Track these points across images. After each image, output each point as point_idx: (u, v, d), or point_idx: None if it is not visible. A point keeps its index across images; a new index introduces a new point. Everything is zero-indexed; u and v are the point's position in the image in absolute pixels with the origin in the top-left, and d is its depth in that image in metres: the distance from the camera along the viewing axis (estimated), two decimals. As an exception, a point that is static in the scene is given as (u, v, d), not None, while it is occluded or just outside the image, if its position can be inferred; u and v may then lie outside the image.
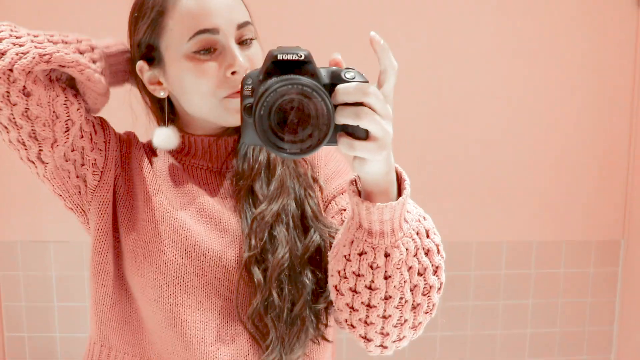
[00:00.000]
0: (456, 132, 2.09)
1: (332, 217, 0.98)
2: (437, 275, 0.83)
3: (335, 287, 0.85)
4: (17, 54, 0.84)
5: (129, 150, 1.02)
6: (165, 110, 1.02)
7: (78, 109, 0.92)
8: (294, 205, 0.96)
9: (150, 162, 1.02)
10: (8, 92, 0.85)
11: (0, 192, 1.98)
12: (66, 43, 0.91)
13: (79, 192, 0.97)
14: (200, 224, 0.96)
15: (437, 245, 0.84)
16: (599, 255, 2.21)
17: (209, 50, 0.92)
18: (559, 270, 2.20)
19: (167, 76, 0.98)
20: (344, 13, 1.99)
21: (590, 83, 2.13)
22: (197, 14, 0.91)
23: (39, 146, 0.91)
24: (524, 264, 2.18)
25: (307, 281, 0.92)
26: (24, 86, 0.85)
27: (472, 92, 2.08)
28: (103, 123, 1.01)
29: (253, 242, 0.93)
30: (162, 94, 1.00)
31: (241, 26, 0.94)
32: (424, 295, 0.82)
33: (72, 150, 0.94)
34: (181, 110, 1.03)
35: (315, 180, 1.00)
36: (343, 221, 0.96)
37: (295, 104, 0.69)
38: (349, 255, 0.81)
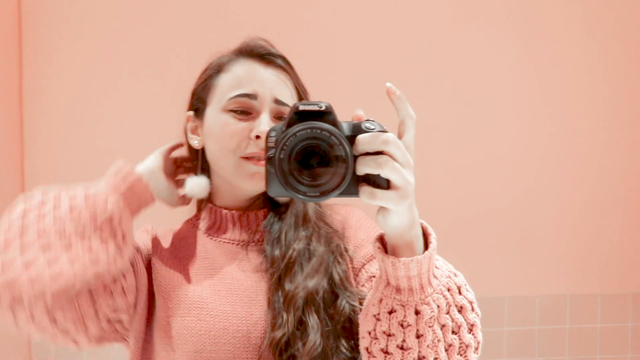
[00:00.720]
0: (483, 186, 2.08)
1: (362, 285, 0.97)
2: (473, 334, 0.80)
3: (367, 349, 0.82)
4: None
5: (154, 248, 1.06)
6: (199, 159, 1.07)
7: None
8: (325, 282, 0.95)
9: (175, 248, 1.06)
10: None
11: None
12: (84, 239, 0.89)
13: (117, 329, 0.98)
14: (229, 303, 0.96)
15: (471, 302, 0.81)
16: (636, 308, 2.13)
17: (244, 112, 0.99)
18: (595, 325, 2.12)
19: (203, 128, 1.04)
20: (367, 67, 2.02)
21: (617, 129, 2.11)
22: (244, 78, 1.00)
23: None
24: (559, 319, 2.11)
25: (339, 353, 0.90)
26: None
27: (497, 145, 2.08)
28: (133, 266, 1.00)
29: (279, 331, 0.90)
30: (196, 144, 1.06)
31: (279, 102, 1.00)
32: (460, 355, 0.79)
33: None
34: (212, 176, 1.08)
35: (345, 250, 1.00)
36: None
37: (314, 148, 0.70)
38: (379, 314, 0.79)
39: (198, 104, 1.06)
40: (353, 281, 0.98)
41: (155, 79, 1.97)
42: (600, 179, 2.11)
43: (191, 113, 1.07)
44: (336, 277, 0.95)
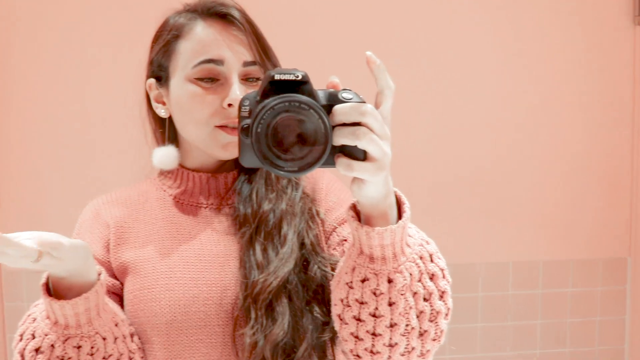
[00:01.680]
0: (459, 153, 2.09)
1: (334, 248, 0.97)
2: (443, 301, 0.81)
3: (339, 316, 0.82)
4: None
5: (99, 230, 1.02)
6: (167, 130, 1.03)
7: None
8: (298, 268, 0.93)
9: (137, 213, 1.03)
10: None
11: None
12: None
13: None
14: (198, 269, 0.95)
15: (442, 270, 0.82)
16: (606, 274, 2.19)
17: (211, 80, 0.95)
18: (566, 290, 2.17)
19: (169, 97, 1.00)
20: (342, 34, 2.00)
21: (590, 102, 2.13)
22: (207, 44, 0.95)
23: None
24: (532, 284, 2.16)
25: (310, 319, 0.90)
26: None
27: (475, 112, 2.09)
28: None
29: (253, 315, 0.89)
30: (163, 113, 1.02)
31: (247, 64, 0.96)
32: (431, 321, 0.80)
33: None
34: (181, 140, 1.04)
35: (317, 213, 0.99)
36: (344, 252, 0.95)
37: (292, 122, 0.68)
38: (351, 282, 0.79)
39: (159, 71, 1.01)
40: (324, 244, 0.98)
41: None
42: (572, 147, 2.13)
43: (152, 81, 1.02)
44: (307, 243, 0.94)
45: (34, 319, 0.88)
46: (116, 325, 0.90)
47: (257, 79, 0.98)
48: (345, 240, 0.97)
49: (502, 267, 2.14)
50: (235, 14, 0.97)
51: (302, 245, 0.94)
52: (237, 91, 0.94)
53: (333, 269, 0.92)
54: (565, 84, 2.11)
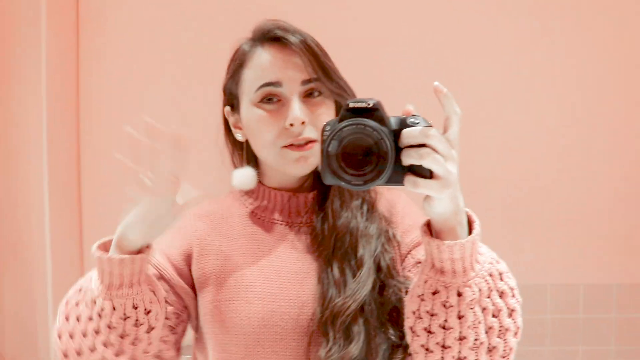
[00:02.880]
0: (530, 174, 2.07)
1: (409, 270, 0.99)
2: (512, 318, 0.83)
3: (411, 328, 0.85)
4: None
5: (183, 241, 1.05)
6: (244, 152, 1.09)
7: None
8: (376, 290, 0.96)
9: (219, 225, 1.07)
10: None
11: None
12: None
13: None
14: (277, 285, 0.98)
15: (512, 289, 0.84)
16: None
17: (271, 100, 1.00)
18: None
19: (242, 122, 1.06)
20: (417, 63, 2.04)
21: (624, 118, 2.08)
22: (265, 68, 1.00)
23: None
24: (604, 308, 2.09)
25: (384, 339, 0.93)
26: None
27: (548, 132, 2.06)
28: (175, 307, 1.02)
29: (331, 334, 0.91)
30: (239, 137, 1.08)
31: (305, 82, 1.00)
32: (499, 337, 0.82)
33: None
34: (260, 162, 1.09)
35: (394, 235, 1.02)
36: None
37: (359, 142, 0.77)
38: (423, 295, 0.82)
39: (232, 99, 1.07)
40: (400, 267, 1.00)
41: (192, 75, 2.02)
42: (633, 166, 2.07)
43: (228, 108, 1.08)
44: (384, 266, 0.97)
45: (80, 289, 0.91)
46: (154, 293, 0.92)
47: (320, 93, 1.01)
48: (420, 262, 0.99)
49: (572, 289, 2.09)
50: (291, 38, 1.00)
51: (378, 268, 0.97)
52: (297, 111, 0.97)
53: (407, 293, 0.94)
54: (619, 103, 2.06)
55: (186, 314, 1.03)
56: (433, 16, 2.05)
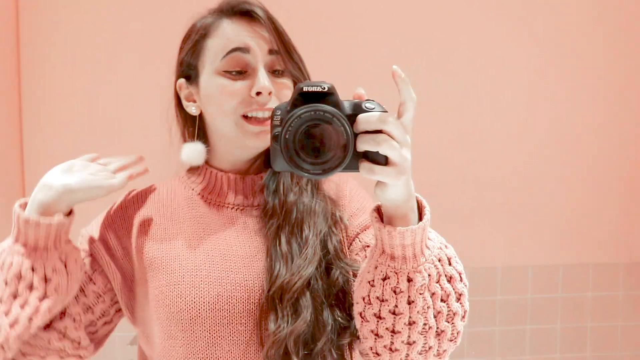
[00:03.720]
0: (477, 158, 2.10)
1: (357, 254, 1.00)
2: (460, 303, 0.85)
3: (360, 313, 0.86)
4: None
5: (123, 223, 1.05)
6: (196, 126, 1.07)
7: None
8: (322, 268, 0.96)
9: (163, 208, 1.06)
10: None
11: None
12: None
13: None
14: (224, 269, 0.97)
15: (460, 273, 0.86)
16: (628, 278, 2.18)
17: (239, 72, 0.99)
18: (587, 294, 2.17)
19: (199, 94, 1.03)
20: (370, 46, 2.03)
21: (610, 104, 2.13)
22: (233, 35, 0.99)
23: None
24: (552, 288, 2.16)
25: (331, 316, 0.93)
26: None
27: (493, 115, 2.10)
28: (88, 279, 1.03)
29: (279, 309, 0.92)
30: (194, 111, 1.06)
31: (272, 52, 1.00)
32: (448, 322, 0.83)
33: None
34: (211, 139, 1.07)
35: (340, 218, 1.02)
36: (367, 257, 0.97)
37: (317, 129, 0.75)
38: (373, 280, 0.83)
39: (189, 70, 1.05)
40: (346, 250, 1.00)
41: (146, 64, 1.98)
42: (594, 150, 2.14)
43: (182, 81, 1.06)
44: (330, 248, 0.97)
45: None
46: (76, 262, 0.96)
47: (282, 71, 1.01)
48: (368, 246, 0.99)
49: (521, 270, 2.15)
50: (258, 10, 1.01)
51: (325, 250, 0.97)
52: (265, 80, 0.97)
53: (355, 275, 0.95)
54: (583, 86, 2.11)
55: (109, 297, 1.03)
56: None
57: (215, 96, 0.99)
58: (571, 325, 2.17)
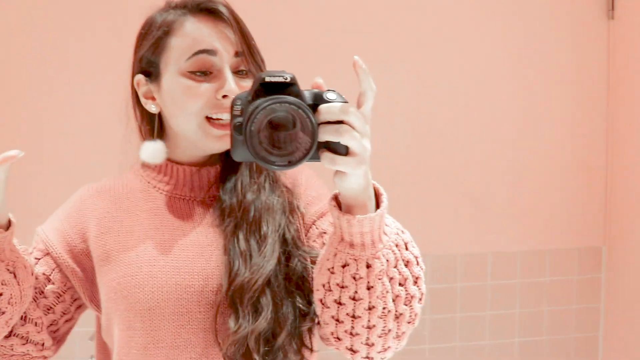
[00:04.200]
0: (435, 146, 2.13)
1: (314, 240, 1.01)
2: (417, 286, 0.86)
3: (321, 300, 0.87)
4: None
5: (80, 218, 1.04)
6: (155, 125, 1.05)
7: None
8: (280, 264, 0.96)
9: (120, 203, 1.04)
10: None
11: None
12: None
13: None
14: (181, 259, 0.97)
15: (416, 257, 0.87)
16: (581, 263, 2.25)
17: (204, 73, 0.97)
18: (543, 279, 2.23)
19: (161, 92, 1.01)
20: (331, 36, 2.04)
21: (566, 93, 2.19)
22: (199, 36, 0.97)
23: None
24: (509, 274, 2.22)
25: (291, 308, 0.94)
26: None
27: (451, 105, 2.13)
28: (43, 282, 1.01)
29: (240, 309, 0.91)
30: (153, 109, 1.03)
31: (238, 54, 0.99)
32: (406, 305, 0.85)
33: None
34: (169, 134, 1.05)
35: (297, 207, 1.02)
36: (324, 244, 0.98)
37: (282, 120, 0.74)
38: (333, 268, 0.84)
39: (149, 67, 1.02)
40: (304, 237, 1.01)
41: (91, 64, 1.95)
42: (547, 139, 2.20)
43: (141, 77, 1.03)
44: (289, 237, 0.97)
45: None
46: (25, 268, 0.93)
47: (246, 72, 1.00)
48: (325, 232, 1.00)
49: (480, 257, 2.19)
50: (223, 9, 0.99)
51: (283, 240, 0.97)
52: (232, 83, 0.96)
53: (313, 262, 0.96)
54: (541, 77, 2.17)
55: (69, 296, 1.02)
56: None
57: (179, 97, 0.98)
58: (529, 310, 2.23)
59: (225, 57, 0.98)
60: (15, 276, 0.90)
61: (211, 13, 1.00)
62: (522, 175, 2.19)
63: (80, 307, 1.05)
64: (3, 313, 0.89)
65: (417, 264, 0.87)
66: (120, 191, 1.07)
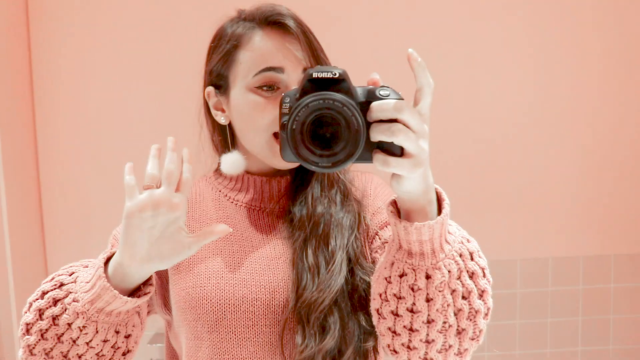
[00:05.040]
0: (496, 151, 2.07)
1: (376, 251, 0.97)
2: (483, 300, 0.80)
3: (377, 310, 0.83)
4: None
5: None
6: (228, 135, 1.05)
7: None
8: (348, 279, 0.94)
9: (192, 211, 1.04)
10: None
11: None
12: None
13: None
14: (249, 271, 0.96)
15: (483, 269, 0.82)
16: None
17: (272, 88, 0.96)
18: (609, 285, 2.13)
19: (230, 105, 1.01)
20: (382, 32, 2.01)
21: (629, 96, 2.09)
22: (267, 52, 0.96)
23: None
24: (572, 280, 2.12)
25: (357, 325, 0.92)
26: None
27: (512, 109, 2.07)
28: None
29: (307, 328, 0.90)
30: (222, 120, 1.03)
31: (305, 70, 0.96)
32: (469, 320, 0.80)
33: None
34: (239, 145, 1.05)
35: (364, 219, 1.00)
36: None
37: (327, 119, 0.70)
38: (390, 277, 0.80)
39: (219, 80, 1.02)
40: (367, 251, 0.98)
41: (162, 73, 1.96)
42: (606, 143, 2.10)
43: (211, 89, 1.03)
44: (352, 254, 0.95)
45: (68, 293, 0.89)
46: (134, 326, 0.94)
47: None
48: (387, 242, 0.96)
49: (541, 262, 2.11)
50: (291, 23, 0.97)
51: (349, 257, 0.95)
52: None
53: None
54: (579, 79, 2.07)
55: (146, 304, 1.01)
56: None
57: (247, 112, 0.97)
58: (594, 317, 2.13)
59: (293, 74, 0.96)
60: (139, 315, 0.93)
61: (279, 27, 0.98)
62: (585, 178, 2.10)
63: (149, 312, 1.05)
64: (130, 352, 0.92)
65: (484, 276, 0.81)
66: (192, 198, 1.07)
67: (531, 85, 2.06)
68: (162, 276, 1.02)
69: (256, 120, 0.96)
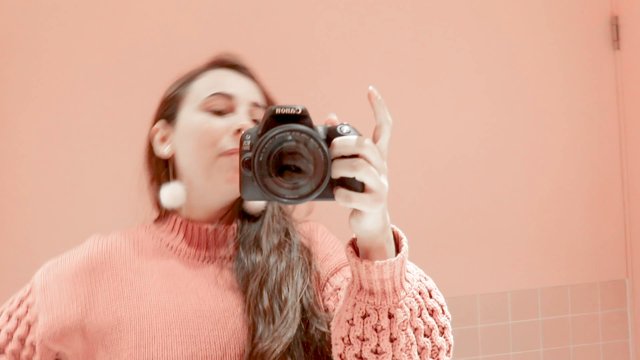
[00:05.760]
0: (449, 188, 2.09)
1: (328, 299, 0.97)
2: (444, 337, 0.81)
3: (340, 355, 0.81)
4: None
5: (87, 278, 0.99)
6: (169, 168, 1.04)
7: None
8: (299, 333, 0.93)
9: (130, 263, 1.00)
10: None
11: None
12: None
13: None
14: (197, 327, 0.92)
15: (442, 306, 0.82)
16: (605, 297, 2.18)
17: (221, 112, 1.00)
18: (567, 316, 2.16)
19: (176, 129, 1.03)
20: (341, 69, 2.02)
21: (577, 125, 2.16)
22: (221, 81, 1.02)
23: None
24: (531, 313, 2.15)
25: None
26: None
27: (461, 141, 2.10)
28: None
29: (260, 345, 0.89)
30: (166, 152, 1.04)
31: (255, 105, 1.03)
32: (432, 357, 0.80)
33: None
34: (182, 183, 1.04)
35: (314, 267, 0.99)
36: (338, 300, 0.95)
37: (293, 150, 0.70)
38: (352, 319, 0.79)
39: (169, 111, 1.05)
40: (320, 299, 0.97)
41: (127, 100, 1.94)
42: (562, 173, 2.15)
43: (161, 122, 1.06)
44: (306, 303, 0.94)
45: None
46: None
47: None
48: (339, 288, 0.96)
49: (500, 297, 2.13)
50: (245, 65, 1.08)
51: (302, 306, 0.94)
52: (245, 119, 0.99)
53: (329, 327, 0.92)
54: (551, 112, 2.14)
55: None
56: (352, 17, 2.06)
57: (194, 129, 0.99)
58: (554, 348, 2.16)
59: (242, 101, 1.01)
60: None
61: (234, 68, 1.07)
62: (537, 210, 2.14)
63: None
64: None
65: (443, 312, 0.82)
66: (130, 249, 1.02)
67: (483, 121, 2.11)
68: (88, 336, 0.94)
69: (203, 138, 0.97)
